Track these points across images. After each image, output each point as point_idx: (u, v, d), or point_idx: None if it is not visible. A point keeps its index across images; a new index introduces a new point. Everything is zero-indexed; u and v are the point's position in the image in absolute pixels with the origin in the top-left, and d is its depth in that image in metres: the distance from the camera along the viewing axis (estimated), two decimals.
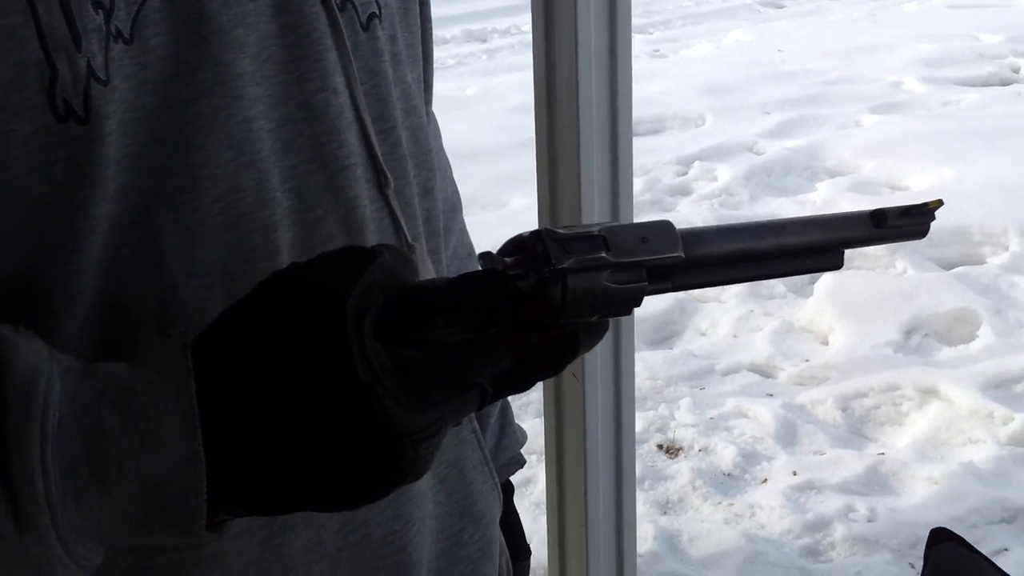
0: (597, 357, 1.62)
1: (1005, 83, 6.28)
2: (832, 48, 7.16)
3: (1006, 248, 3.91)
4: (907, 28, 7.73)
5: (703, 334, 3.65)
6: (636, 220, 1.58)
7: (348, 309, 0.51)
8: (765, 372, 3.40)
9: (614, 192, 1.59)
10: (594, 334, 0.56)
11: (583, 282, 0.55)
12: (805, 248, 0.66)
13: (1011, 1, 8.60)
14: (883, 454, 2.95)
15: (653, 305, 3.67)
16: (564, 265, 0.53)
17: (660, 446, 3.04)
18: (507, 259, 0.53)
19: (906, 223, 0.70)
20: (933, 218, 0.71)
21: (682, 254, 0.58)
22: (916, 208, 0.69)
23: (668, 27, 8.41)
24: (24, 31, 0.55)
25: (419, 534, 0.77)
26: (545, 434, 1.74)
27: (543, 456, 3.02)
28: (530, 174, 4.58)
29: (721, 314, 3.71)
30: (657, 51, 7.44)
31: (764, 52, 7.22)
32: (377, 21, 0.73)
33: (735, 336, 3.59)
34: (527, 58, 6.37)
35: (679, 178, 4.79)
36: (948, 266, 3.82)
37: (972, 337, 3.39)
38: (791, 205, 4.47)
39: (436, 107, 3.21)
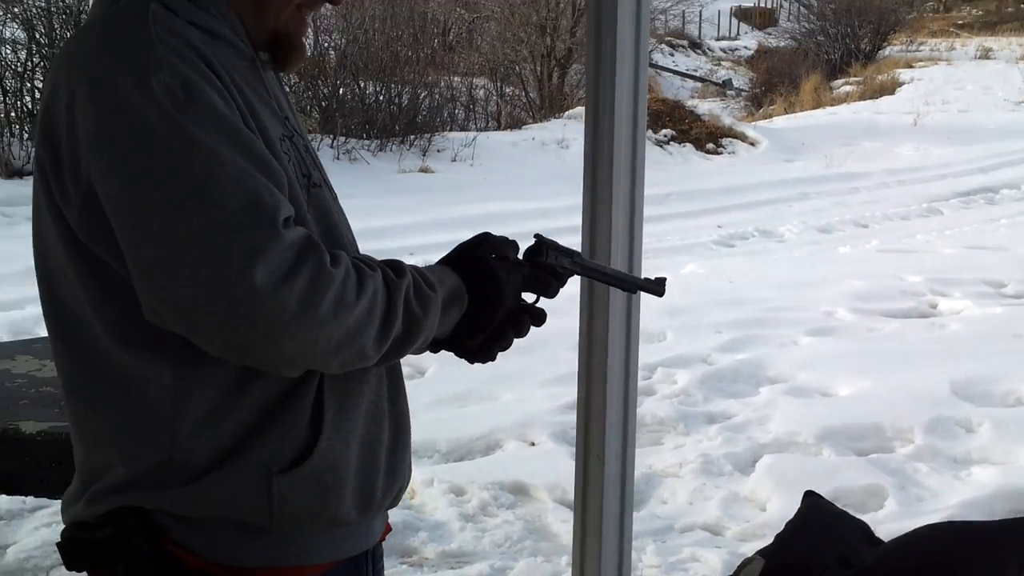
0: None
1: (923, 316, 7.20)
2: (776, 281, 8.10)
3: (912, 442, 4.76)
4: (841, 267, 8.73)
5: (664, 502, 4.42)
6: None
7: (490, 259, 1.54)
8: (715, 531, 4.16)
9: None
10: (556, 286, 1.62)
11: (553, 253, 1.60)
12: (618, 279, 1.81)
13: (932, 248, 9.74)
14: None
15: None
16: (547, 242, 1.61)
17: None
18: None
19: (656, 284, 1.77)
20: (665, 285, 1.80)
21: (580, 256, 1.67)
22: (659, 279, 1.78)
23: None
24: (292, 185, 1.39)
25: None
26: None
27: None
28: (519, 374, 5.36)
29: (680, 487, 4.49)
30: None
31: (716, 282, 8.14)
32: None
33: (691, 504, 4.37)
34: None
35: (644, 381, 5.63)
36: (864, 454, 4.66)
37: (880, 507, 4.19)
38: (738, 405, 5.31)
39: None
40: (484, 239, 1.57)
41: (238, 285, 1.23)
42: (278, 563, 1.44)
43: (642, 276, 1.83)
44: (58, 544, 1.46)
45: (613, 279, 1.78)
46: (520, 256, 1.60)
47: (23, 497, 3.00)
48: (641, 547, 3.97)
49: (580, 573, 2.50)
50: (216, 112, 1.29)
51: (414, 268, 1.45)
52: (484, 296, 1.53)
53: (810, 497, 2.05)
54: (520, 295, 1.58)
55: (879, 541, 2.05)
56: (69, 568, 1.47)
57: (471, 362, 1.63)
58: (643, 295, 1.88)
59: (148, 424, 1.38)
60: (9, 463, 1.75)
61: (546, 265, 1.58)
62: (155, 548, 1.40)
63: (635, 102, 2.35)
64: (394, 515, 4.17)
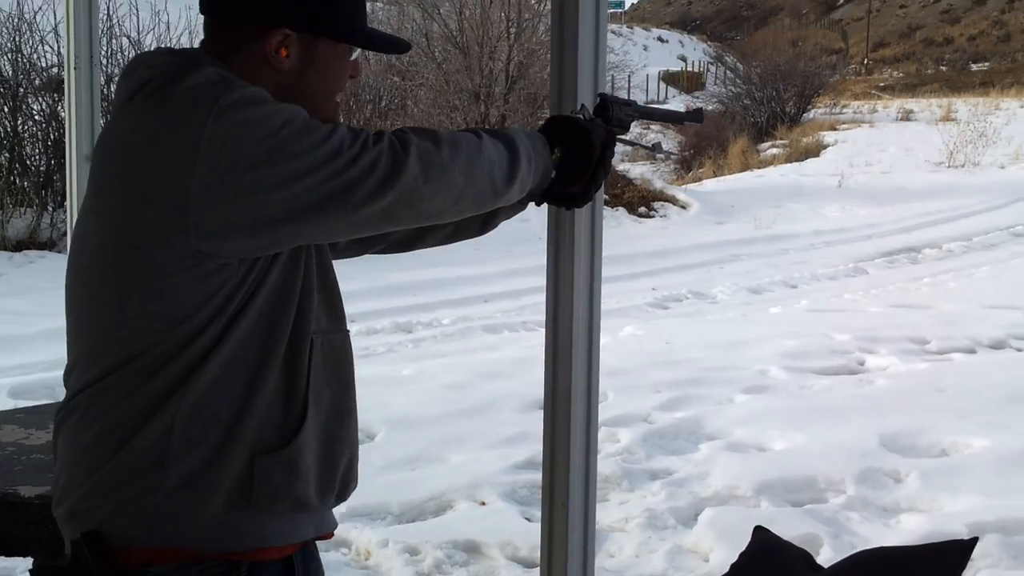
0: None
1: (852, 372, 7.51)
2: (711, 342, 8.36)
3: (844, 492, 5.01)
4: (773, 327, 9.03)
5: (612, 556, 4.61)
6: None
7: (572, 116, 1.97)
8: None
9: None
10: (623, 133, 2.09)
11: (617, 107, 2.02)
12: (667, 115, 2.34)
13: (859, 307, 10.10)
14: None
15: None
16: (610, 98, 2.03)
17: None
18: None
19: (696, 113, 2.40)
20: (702, 113, 2.44)
21: (636, 103, 2.09)
22: (697, 109, 2.41)
23: None
24: None
25: None
26: None
27: None
28: (467, 436, 5.61)
29: (626, 541, 4.69)
30: None
31: (654, 344, 8.39)
32: None
33: (637, 556, 4.57)
34: (449, 346, 7.62)
35: None
36: (799, 505, 4.90)
37: (816, 554, 4.42)
38: (679, 461, 5.54)
39: (378, 387, 4.95)
40: (556, 116, 1.97)
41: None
42: (257, 545, 1.67)
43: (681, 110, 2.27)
44: (30, 571, 1.67)
45: (664, 115, 2.25)
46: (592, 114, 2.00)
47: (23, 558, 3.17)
48: None
49: None
50: None
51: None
52: (577, 144, 1.89)
53: (759, 532, 2.33)
54: (604, 141, 1.93)
55: (820, 567, 2.31)
56: None
57: (569, 207, 2.03)
58: None
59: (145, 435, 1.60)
60: (10, 527, 1.92)
61: (613, 119, 2.00)
62: (110, 567, 1.58)
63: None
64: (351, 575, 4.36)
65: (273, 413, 1.66)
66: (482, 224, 2.16)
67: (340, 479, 1.81)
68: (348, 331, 1.86)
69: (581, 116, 1.96)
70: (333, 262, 1.87)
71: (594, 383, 2.62)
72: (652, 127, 35.20)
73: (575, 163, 1.89)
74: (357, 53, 1.86)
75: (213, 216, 1.51)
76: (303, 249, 1.68)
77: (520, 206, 2.07)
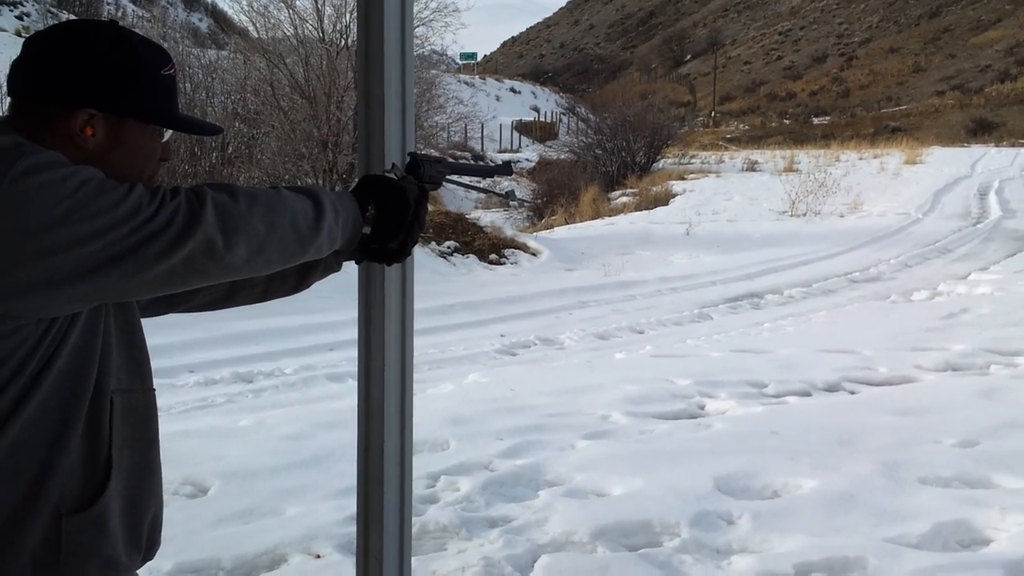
0: None
1: (692, 416, 7.61)
2: (555, 388, 8.39)
3: (678, 535, 5.05)
4: (617, 373, 9.11)
5: None
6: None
7: (385, 176, 1.96)
8: None
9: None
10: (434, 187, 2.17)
11: (428, 164, 2.07)
12: (479, 170, 2.47)
13: (701, 352, 10.28)
14: None
15: None
16: (420, 157, 2.06)
17: None
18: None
19: (505, 167, 2.53)
20: (511, 166, 2.49)
21: (447, 160, 2.18)
22: (506, 162, 2.55)
23: (416, 371, 9.54)
24: None
25: None
26: None
27: None
28: (303, 488, 5.48)
29: None
30: None
31: (499, 391, 8.37)
32: None
33: None
34: (290, 396, 7.47)
35: (428, 489, 5.78)
36: (635, 549, 4.91)
37: None
38: (518, 509, 5.50)
39: (214, 439, 4.82)
40: (368, 176, 2.04)
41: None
42: None
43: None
44: None
45: (474, 170, 2.35)
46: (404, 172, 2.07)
47: None
48: None
49: None
50: None
51: None
52: (392, 201, 1.96)
53: None
54: (417, 197, 1.99)
55: None
56: None
57: (389, 263, 2.07)
58: None
59: None
60: None
61: (424, 175, 2.08)
62: None
63: None
64: None
65: (76, 472, 1.69)
66: (296, 282, 2.18)
67: (146, 537, 1.84)
68: (153, 389, 1.86)
69: (393, 175, 2.00)
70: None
71: (408, 437, 2.58)
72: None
73: (391, 219, 1.96)
74: (168, 135, 1.86)
75: (10, 278, 1.49)
76: (103, 308, 1.69)
77: (336, 265, 2.13)
